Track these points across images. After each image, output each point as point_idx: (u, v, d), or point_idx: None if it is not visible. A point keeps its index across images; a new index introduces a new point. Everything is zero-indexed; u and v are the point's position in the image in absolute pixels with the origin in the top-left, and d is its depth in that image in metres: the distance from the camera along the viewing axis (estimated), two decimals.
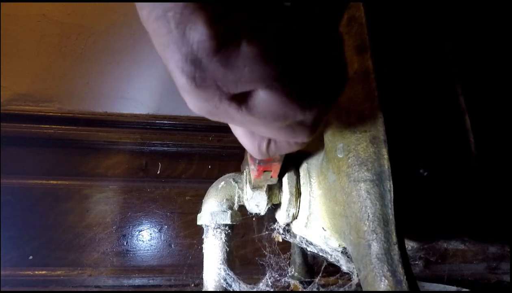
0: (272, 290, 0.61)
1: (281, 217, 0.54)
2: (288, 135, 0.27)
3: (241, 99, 0.23)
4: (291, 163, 0.54)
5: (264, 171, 0.47)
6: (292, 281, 0.75)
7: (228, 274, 0.53)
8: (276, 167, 0.47)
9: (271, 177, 0.48)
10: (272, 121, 0.24)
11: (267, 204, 0.53)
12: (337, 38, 0.26)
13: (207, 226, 0.55)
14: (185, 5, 0.18)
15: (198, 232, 0.59)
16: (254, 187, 0.52)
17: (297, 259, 0.80)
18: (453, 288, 0.78)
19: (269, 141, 0.30)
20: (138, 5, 0.20)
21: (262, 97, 0.23)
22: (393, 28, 0.56)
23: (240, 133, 0.30)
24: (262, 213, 0.55)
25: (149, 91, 1.20)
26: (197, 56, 0.19)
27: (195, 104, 0.23)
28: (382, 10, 0.56)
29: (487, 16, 0.60)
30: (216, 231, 0.54)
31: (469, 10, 0.59)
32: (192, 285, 1.05)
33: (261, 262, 0.66)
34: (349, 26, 0.45)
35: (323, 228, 0.49)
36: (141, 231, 1.10)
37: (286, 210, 0.53)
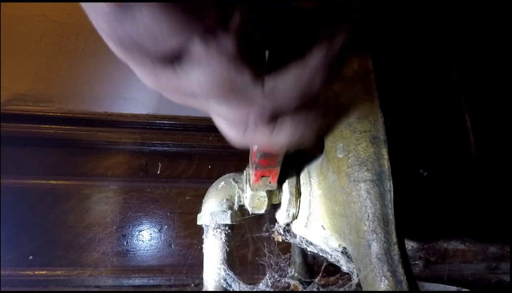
0: (272, 290, 0.61)
1: (281, 217, 0.54)
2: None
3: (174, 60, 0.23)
4: (291, 163, 0.54)
5: (262, 176, 0.48)
6: (292, 281, 0.75)
7: (228, 274, 0.53)
8: (274, 172, 0.47)
9: (270, 182, 0.49)
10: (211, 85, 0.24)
11: (267, 204, 0.53)
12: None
13: (207, 226, 0.55)
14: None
15: (198, 232, 0.59)
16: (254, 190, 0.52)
17: (297, 259, 0.80)
18: (453, 288, 0.78)
19: (245, 128, 0.29)
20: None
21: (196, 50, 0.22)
22: (393, 28, 0.56)
23: (221, 124, 0.30)
24: (262, 213, 0.55)
25: (149, 91, 1.19)
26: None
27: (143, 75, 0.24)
28: (382, 10, 0.56)
29: (487, 16, 0.60)
30: (216, 231, 0.54)
31: (469, 9, 0.59)
32: (192, 285, 1.05)
33: (261, 262, 0.66)
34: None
35: (322, 226, 0.49)
36: (141, 231, 1.10)
37: (286, 210, 0.52)
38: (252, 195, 0.53)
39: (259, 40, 0.23)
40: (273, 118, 0.27)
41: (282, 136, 0.29)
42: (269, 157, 0.43)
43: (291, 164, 0.53)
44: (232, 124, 0.29)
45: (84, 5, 0.21)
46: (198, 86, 0.24)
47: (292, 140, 0.29)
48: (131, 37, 0.21)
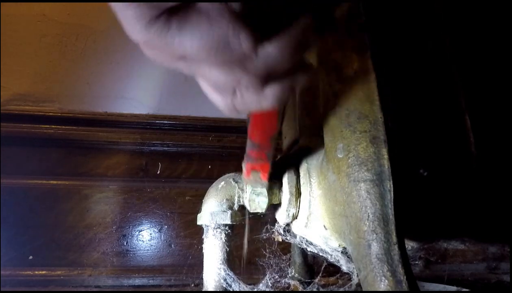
0: (272, 290, 0.61)
1: (281, 217, 0.54)
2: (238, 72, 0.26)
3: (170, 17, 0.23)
4: (291, 163, 0.54)
5: (252, 170, 0.49)
6: (292, 282, 0.75)
7: (228, 274, 0.53)
8: (264, 167, 0.48)
9: (261, 179, 0.50)
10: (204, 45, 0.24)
11: (267, 204, 0.53)
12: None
13: (207, 226, 0.55)
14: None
15: (198, 232, 0.59)
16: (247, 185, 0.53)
17: (297, 259, 0.80)
18: (453, 288, 0.78)
19: (234, 92, 0.29)
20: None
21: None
22: (393, 28, 0.56)
23: (209, 89, 0.30)
24: (263, 211, 0.55)
25: (149, 91, 1.20)
26: None
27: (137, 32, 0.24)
28: (382, 10, 0.56)
29: (487, 16, 0.60)
30: (216, 231, 0.54)
31: (470, 9, 0.59)
32: (192, 285, 1.05)
33: (261, 263, 0.66)
34: (348, 25, 0.45)
35: (324, 226, 0.49)
36: (141, 231, 1.10)
37: (286, 210, 0.53)
38: (252, 195, 0.53)
39: (254, 9, 0.24)
40: (264, 82, 0.28)
41: (270, 99, 0.30)
42: (259, 149, 0.44)
43: (291, 164, 0.53)
44: (221, 89, 0.29)
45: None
46: (191, 48, 0.24)
47: (279, 101, 0.30)
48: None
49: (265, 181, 0.51)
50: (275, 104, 0.30)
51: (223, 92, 0.29)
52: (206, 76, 0.28)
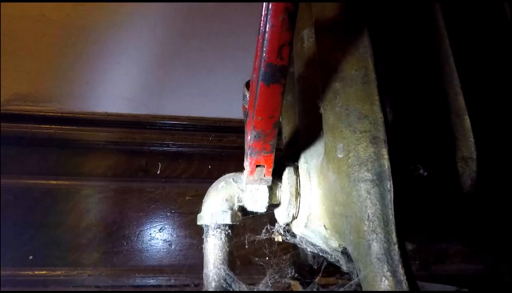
0: (272, 290, 0.61)
1: (281, 217, 0.55)
2: None
3: None
4: (291, 162, 0.54)
5: (257, 166, 0.48)
6: (292, 282, 0.75)
7: (228, 274, 0.53)
8: (268, 159, 0.47)
9: (265, 175, 0.49)
10: None
11: (268, 204, 0.53)
12: None
13: (207, 226, 0.55)
14: None
15: (198, 232, 0.59)
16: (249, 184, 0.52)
17: (297, 259, 0.80)
18: (453, 288, 0.78)
19: None
20: None
21: None
22: (393, 27, 0.56)
23: None
24: (263, 211, 0.55)
25: (149, 91, 1.20)
26: None
27: None
28: (383, 8, 0.56)
29: (487, 16, 0.60)
30: (216, 231, 0.54)
31: (470, 9, 0.60)
32: (192, 285, 1.05)
33: (261, 263, 0.66)
34: (349, 30, 0.45)
35: (325, 226, 0.49)
36: (141, 231, 1.10)
37: (286, 210, 0.53)
38: (252, 195, 0.53)
39: None
40: None
41: None
42: (263, 137, 0.43)
43: (291, 164, 0.53)
44: None
45: None
46: None
47: None
48: None
49: (269, 177, 0.50)
50: None
51: None
52: None
